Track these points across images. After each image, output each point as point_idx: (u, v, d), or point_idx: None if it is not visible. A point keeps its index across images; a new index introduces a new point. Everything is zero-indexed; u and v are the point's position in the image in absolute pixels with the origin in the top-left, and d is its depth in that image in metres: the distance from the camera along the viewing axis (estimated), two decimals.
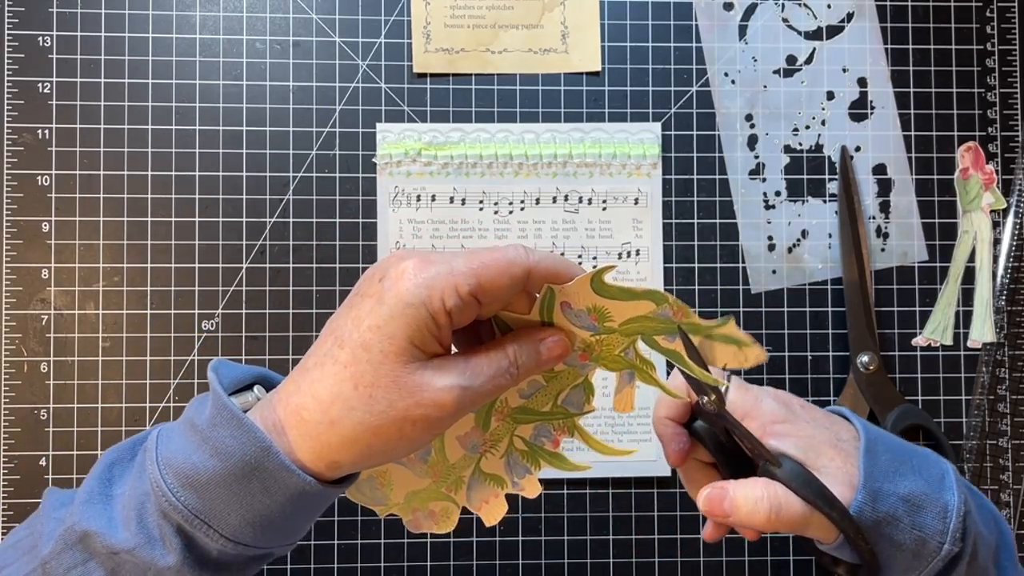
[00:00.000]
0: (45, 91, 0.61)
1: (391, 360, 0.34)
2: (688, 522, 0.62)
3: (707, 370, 0.39)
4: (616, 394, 0.41)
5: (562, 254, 0.62)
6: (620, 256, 0.63)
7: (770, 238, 0.64)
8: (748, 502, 0.40)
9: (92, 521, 0.35)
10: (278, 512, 0.35)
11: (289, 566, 0.60)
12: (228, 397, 0.35)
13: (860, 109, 0.64)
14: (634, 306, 0.38)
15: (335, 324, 0.36)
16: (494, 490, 0.41)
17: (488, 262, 0.35)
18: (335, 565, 0.60)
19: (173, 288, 0.61)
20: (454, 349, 0.38)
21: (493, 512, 0.42)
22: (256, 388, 0.39)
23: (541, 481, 0.42)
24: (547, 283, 0.37)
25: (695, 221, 0.63)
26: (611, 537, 0.61)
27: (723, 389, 0.42)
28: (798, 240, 0.64)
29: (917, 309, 0.64)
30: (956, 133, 0.65)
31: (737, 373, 0.45)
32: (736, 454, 0.43)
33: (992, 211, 0.64)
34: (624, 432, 0.62)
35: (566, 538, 0.61)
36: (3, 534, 0.59)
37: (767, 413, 0.42)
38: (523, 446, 0.41)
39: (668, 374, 0.46)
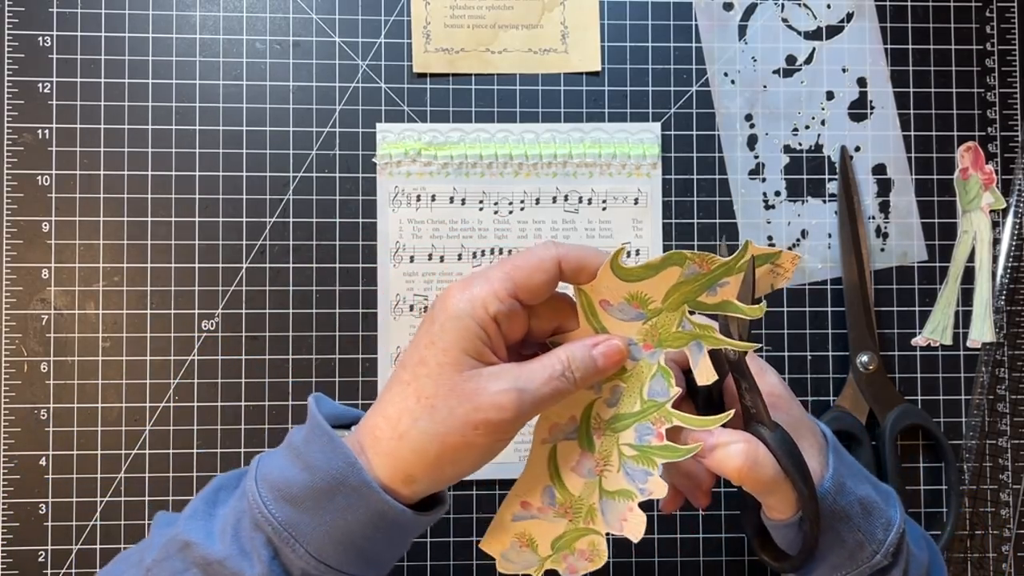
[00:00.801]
0: (45, 91, 0.61)
1: (447, 370, 0.36)
2: (688, 522, 0.62)
3: (758, 301, 0.39)
4: (694, 368, 0.40)
5: None
6: None
7: (770, 238, 0.64)
8: (728, 446, 0.41)
9: (193, 533, 0.37)
10: (359, 532, 0.37)
11: None
12: (323, 419, 0.38)
13: (860, 109, 0.64)
14: (663, 278, 0.39)
15: (401, 356, 0.40)
16: (627, 504, 0.41)
17: (519, 263, 0.37)
18: None
19: (173, 288, 0.61)
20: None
21: (636, 527, 0.41)
22: (352, 428, 0.41)
23: None
24: (576, 276, 0.38)
25: (695, 221, 0.63)
26: (610, 536, 0.61)
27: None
28: (798, 240, 0.64)
29: (917, 309, 0.64)
30: (956, 133, 0.65)
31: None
32: (719, 410, 0.43)
33: (992, 211, 0.64)
34: None
35: None
36: (3, 534, 0.59)
37: (769, 384, 0.44)
38: (632, 452, 0.41)
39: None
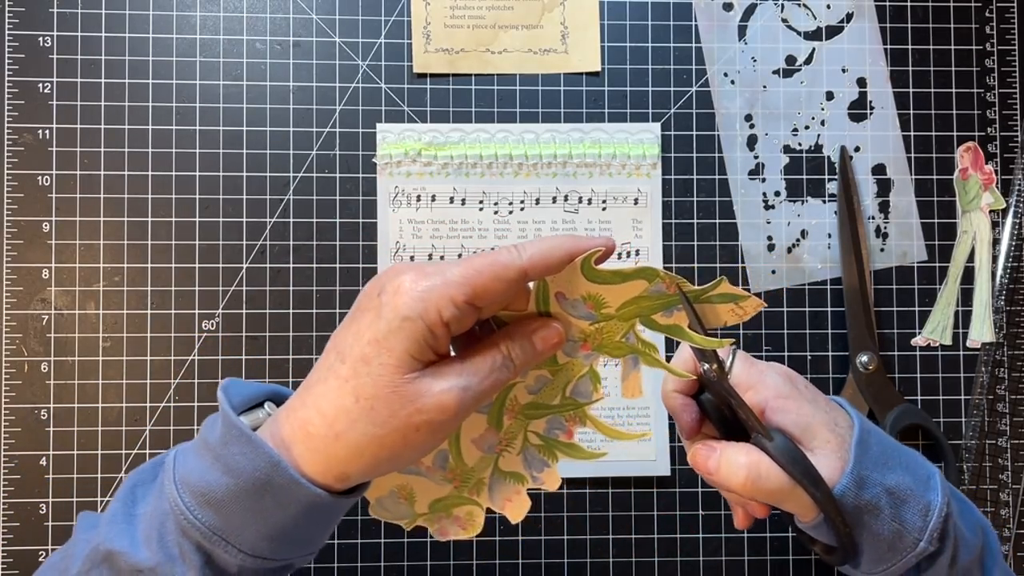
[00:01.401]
0: (45, 91, 0.61)
1: (390, 372, 0.35)
2: (688, 522, 0.62)
3: (708, 335, 0.39)
4: (623, 381, 0.41)
5: None
6: (620, 256, 0.63)
7: (770, 238, 0.64)
8: (729, 463, 0.41)
9: (116, 541, 0.36)
10: (292, 524, 0.36)
11: None
12: (236, 416, 0.36)
13: (859, 109, 0.65)
14: (628, 288, 0.38)
15: (337, 339, 0.37)
16: (515, 487, 0.42)
17: (481, 268, 0.35)
18: (335, 565, 0.60)
19: (173, 288, 0.61)
20: (452, 352, 0.38)
21: (517, 509, 0.42)
22: (267, 405, 0.40)
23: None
24: (540, 276, 0.37)
25: (695, 221, 0.63)
26: (611, 536, 0.61)
27: (729, 352, 0.43)
28: (797, 240, 0.64)
29: (916, 309, 0.64)
30: (955, 133, 0.65)
31: (737, 343, 0.45)
32: (739, 428, 0.44)
33: (991, 211, 0.64)
34: (627, 425, 0.62)
35: (566, 538, 0.61)
36: (3, 534, 0.59)
37: (771, 387, 0.43)
38: (538, 440, 0.41)
39: (670, 356, 0.46)
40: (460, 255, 0.62)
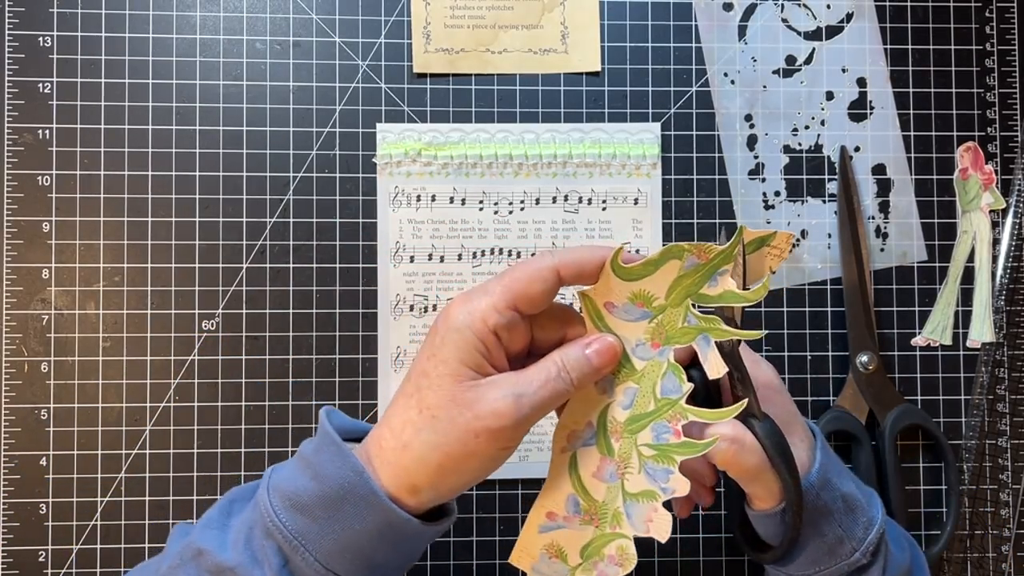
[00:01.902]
0: (45, 91, 0.61)
1: (447, 382, 0.37)
2: (687, 521, 0.62)
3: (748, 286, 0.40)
4: (704, 363, 0.40)
5: None
6: None
7: None
8: (715, 432, 0.42)
9: (207, 542, 0.38)
10: (367, 542, 0.38)
11: None
12: (332, 429, 0.39)
13: (859, 109, 0.65)
14: (665, 273, 0.39)
15: (409, 369, 0.40)
16: (651, 505, 0.41)
17: (517, 275, 0.38)
18: None
19: (173, 288, 0.61)
20: None
21: (661, 527, 0.41)
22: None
23: None
24: (578, 279, 0.39)
25: (695, 221, 0.63)
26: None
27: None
28: (798, 240, 0.64)
29: (916, 309, 0.64)
30: (955, 133, 0.65)
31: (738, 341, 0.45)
32: (718, 406, 0.44)
33: (991, 211, 0.64)
34: None
35: None
36: (3, 534, 0.59)
37: (763, 376, 0.45)
38: (651, 452, 0.41)
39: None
40: (460, 255, 0.62)
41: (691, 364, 0.45)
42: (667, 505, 0.41)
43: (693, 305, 0.40)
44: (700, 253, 0.39)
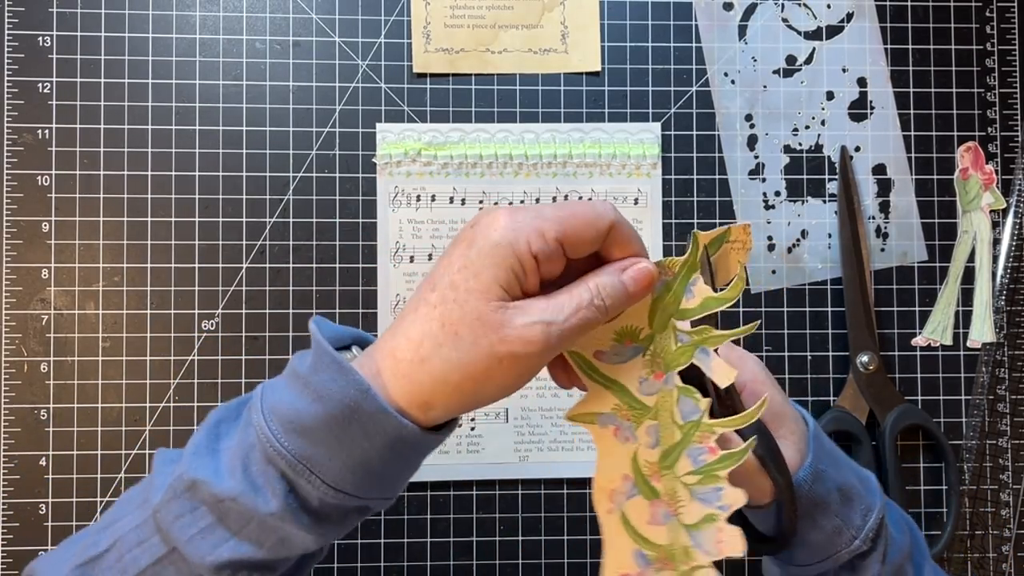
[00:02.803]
0: (45, 91, 0.61)
1: (475, 298, 0.35)
2: None
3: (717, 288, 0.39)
4: (710, 374, 0.40)
5: None
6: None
7: (770, 238, 0.64)
8: None
9: (200, 471, 0.36)
10: (376, 458, 0.36)
11: None
12: (328, 344, 0.36)
13: (860, 109, 0.64)
14: (639, 303, 0.38)
15: (431, 272, 0.37)
16: (715, 526, 0.40)
17: (577, 212, 0.36)
18: (335, 565, 0.60)
19: (173, 288, 0.61)
20: None
21: (733, 543, 0.40)
22: (354, 348, 0.40)
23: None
24: (611, 249, 0.37)
25: (695, 221, 0.63)
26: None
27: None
28: (798, 240, 0.64)
29: (917, 309, 0.64)
30: (956, 133, 0.65)
31: (738, 342, 0.45)
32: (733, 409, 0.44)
33: (992, 211, 0.64)
34: None
35: (566, 538, 0.61)
36: (3, 534, 0.59)
37: (750, 371, 0.45)
38: (695, 478, 0.40)
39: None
40: None
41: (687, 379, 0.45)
42: (730, 519, 0.40)
43: (680, 324, 0.39)
44: (664, 271, 0.38)
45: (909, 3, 0.65)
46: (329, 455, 0.35)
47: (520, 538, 0.61)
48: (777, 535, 0.44)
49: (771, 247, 0.64)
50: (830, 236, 0.64)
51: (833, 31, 0.65)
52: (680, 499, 0.40)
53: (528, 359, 0.35)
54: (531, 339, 0.35)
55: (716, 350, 0.40)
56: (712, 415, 0.41)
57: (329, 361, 0.35)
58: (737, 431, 0.40)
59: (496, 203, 0.62)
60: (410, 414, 0.36)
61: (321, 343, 0.36)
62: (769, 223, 0.64)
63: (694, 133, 0.64)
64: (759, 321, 0.40)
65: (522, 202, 0.62)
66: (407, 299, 0.61)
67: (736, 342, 0.53)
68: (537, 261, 0.35)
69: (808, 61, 0.65)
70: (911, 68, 0.65)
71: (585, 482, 0.62)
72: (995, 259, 0.64)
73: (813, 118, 0.64)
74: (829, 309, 0.63)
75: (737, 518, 0.47)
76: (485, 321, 0.34)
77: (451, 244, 0.37)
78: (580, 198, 0.63)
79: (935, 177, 0.65)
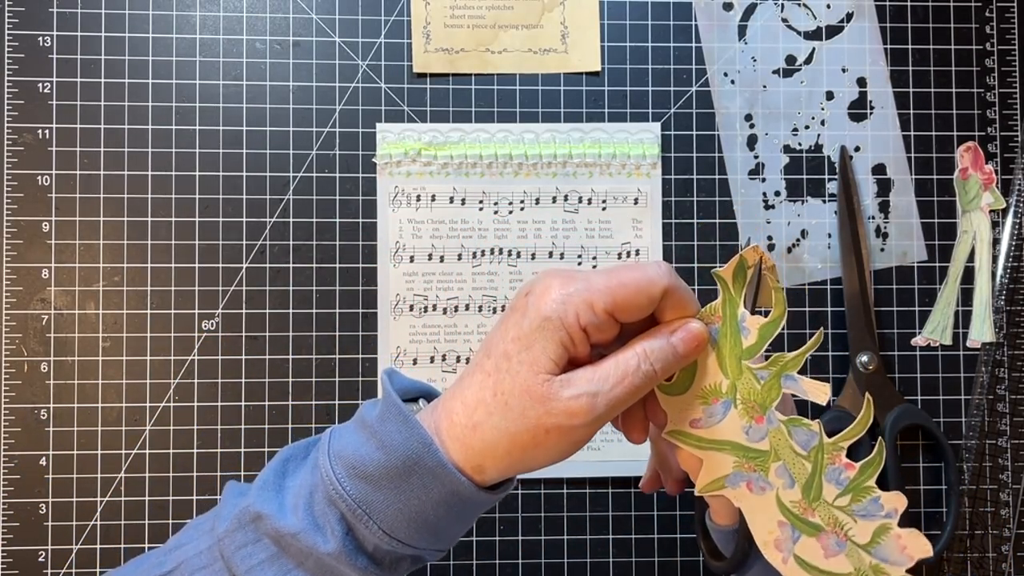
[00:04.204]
0: (45, 91, 0.61)
1: (526, 369, 0.36)
2: (687, 522, 0.62)
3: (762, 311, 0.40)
4: (807, 397, 0.39)
5: (561, 255, 0.63)
6: (620, 256, 0.63)
7: (770, 238, 0.64)
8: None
9: (265, 505, 0.37)
10: (432, 511, 0.37)
11: None
12: (397, 397, 0.38)
13: (859, 109, 0.64)
14: (702, 360, 0.39)
15: (489, 337, 0.38)
16: (891, 536, 0.39)
17: (627, 281, 0.36)
18: None
19: (173, 288, 0.61)
20: None
21: (917, 545, 0.39)
22: (421, 401, 0.41)
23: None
24: (664, 312, 0.38)
25: (695, 221, 0.63)
26: (611, 537, 0.61)
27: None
28: (798, 240, 0.64)
29: (916, 309, 0.64)
30: (955, 133, 0.65)
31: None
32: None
33: (991, 211, 0.64)
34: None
35: (566, 538, 0.61)
36: (3, 534, 0.59)
37: None
38: (846, 499, 0.40)
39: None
40: (460, 255, 0.62)
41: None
42: (900, 523, 0.39)
43: (750, 363, 0.39)
44: (709, 318, 0.38)
45: (909, 3, 0.65)
46: (387, 502, 0.37)
47: (520, 538, 0.61)
48: (731, 557, 0.44)
49: (771, 247, 0.64)
50: (830, 236, 0.64)
51: (833, 31, 0.65)
52: (844, 523, 0.39)
53: (574, 431, 0.36)
54: (576, 411, 0.35)
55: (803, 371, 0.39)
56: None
57: (396, 413, 0.37)
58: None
59: (496, 203, 0.62)
60: (466, 473, 0.37)
61: (391, 394, 0.38)
62: (769, 223, 0.64)
63: (694, 133, 0.64)
64: (823, 330, 0.39)
65: (522, 202, 0.63)
66: (407, 300, 0.61)
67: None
68: (587, 332, 0.36)
69: (808, 61, 0.65)
70: (911, 68, 0.65)
71: (584, 482, 0.62)
72: (995, 259, 0.64)
73: (813, 118, 0.64)
74: (829, 309, 0.63)
75: (703, 531, 0.47)
76: (533, 393, 0.36)
77: (508, 309, 0.38)
78: (580, 198, 0.63)
79: (935, 177, 0.65)
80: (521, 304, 0.37)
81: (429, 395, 0.42)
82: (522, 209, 0.63)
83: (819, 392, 0.39)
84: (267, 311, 0.61)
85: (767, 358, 0.39)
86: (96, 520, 0.60)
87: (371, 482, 0.37)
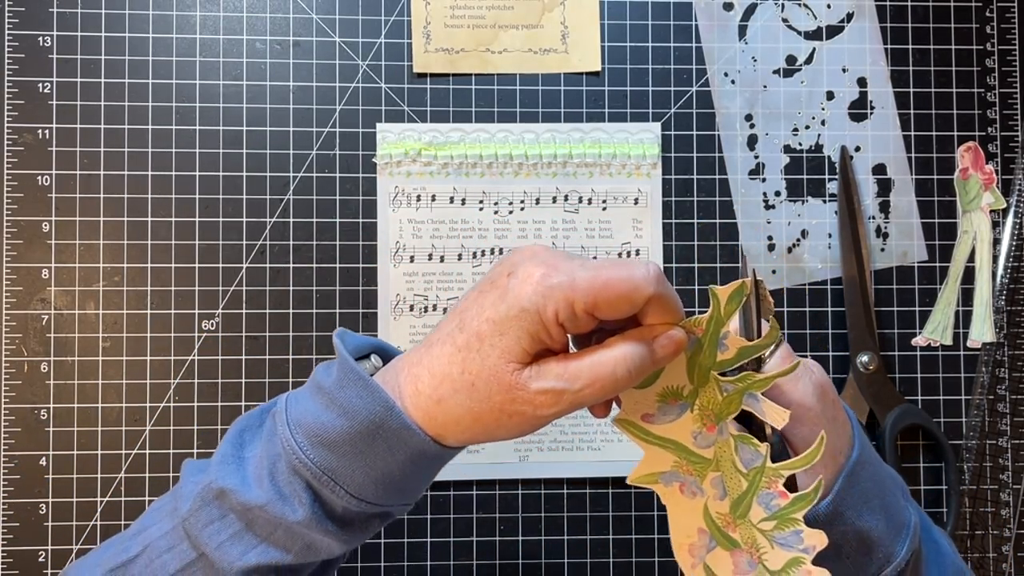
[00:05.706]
0: (45, 91, 0.61)
1: (496, 355, 0.35)
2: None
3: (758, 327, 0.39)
4: (764, 418, 0.39)
5: None
6: (620, 256, 0.63)
7: (770, 238, 0.64)
8: None
9: (227, 480, 0.37)
10: (398, 471, 0.37)
11: None
12: (354, 362, 0.37)
13: (860, 109, 0.64)
14: (674, 362, 0.38)
15: (463, 306, 0.38)
16: (803, 570, 0.39)
17: (612, 282, 0.35)
18: None
19: (173, 288, 0.61)
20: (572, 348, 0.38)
21: None
22: (373, 357, 0.41)
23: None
24: (649, 317, 0.37)
25: (695, 221, 0.63)
26: (611, 537, 0.61)
27: (773, 343, 0.40)
28: (798, 240, 0.64)
29: (917, 309, 0.64)
30: (956, 133, 0.65)
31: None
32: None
33: (992, 211, 0.64)
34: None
35: (566, 538, 0.61)
36: (3, 534, 0.59)
37: (798, 393, 0.41)
38: (770, 524, 0.39)
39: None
40: (460, 255, 0.62)
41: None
42: (815, 561, 0.39)
43: (721, 374, 0.39)
44: (692, 329, 0.38)
45: (909, 3, 0.65)
46: (353, 467, 0.37)
47: (520, 538, 0.61)
48: None
49: (771, 247, 0.64)
50: (830, 236, 0.64)
51: (833, 31, 0.65)
52: (761, 546, 0.39)
53: (537, 418, 0.36)
54: (541, 404, 0.36)
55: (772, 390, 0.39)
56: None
57: (355, 378, 0.37)
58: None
59: (496, 203, 0.62)
60: (428, 435, 0.37)
61: (347, 359, 0.37)
62: (769, 223, 0.64)
63: (694, 133, 0.64)
64: (799, 361, 0.38)
65: (522, 202, 0.62)
66: (407, 300, 0.61)
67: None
68: (564, 327, 0.36)
69: (808, 61, 0.65)
70: (911, 68, 0.65)
71: (584, 482, 0.62)
72: (995, 259, 0.64)
73: (813, 118, 0.64)
74: (829, 309, 0.63)
75: None
76: (501, 381, 0.35)
77: (488, 282, 0.37)
78: (580, 198, 0.63)
79: (935, 177, 0.65)
80: (502, 283, 0.36)
81: (382, 351, 0.41)
82: (522, 209, 0.62)
83: (778, 417, 0.38)
84: (267, 311, 0.61)
85: (738, 371, 0.39)
86: (96, 520, 0.60)
87: (334, 449, 0.36)
